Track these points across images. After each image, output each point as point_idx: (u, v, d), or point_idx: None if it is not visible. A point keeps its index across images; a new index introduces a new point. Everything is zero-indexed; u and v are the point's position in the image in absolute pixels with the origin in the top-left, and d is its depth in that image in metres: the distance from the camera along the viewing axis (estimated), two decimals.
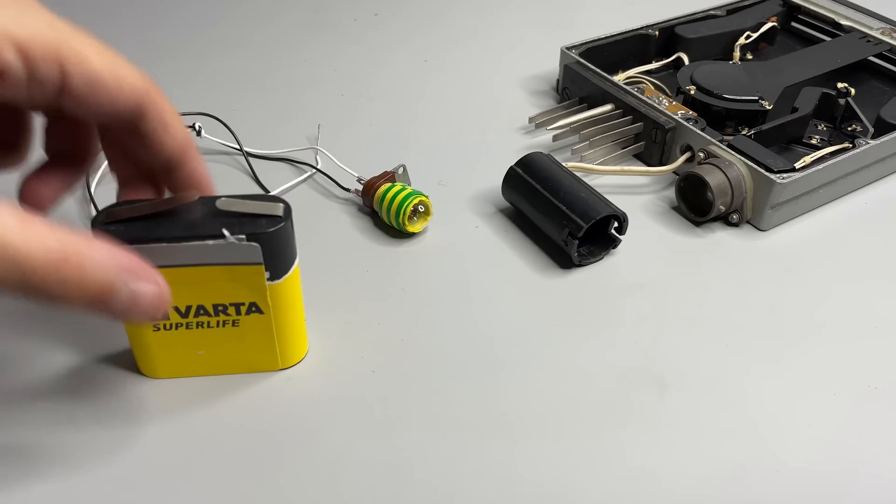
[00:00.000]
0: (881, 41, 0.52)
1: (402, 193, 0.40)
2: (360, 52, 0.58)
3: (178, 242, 0.26)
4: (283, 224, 0.27)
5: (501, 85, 0.54)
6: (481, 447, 0.31)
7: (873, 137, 0.45)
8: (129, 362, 0.33)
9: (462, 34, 0.61)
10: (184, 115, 0.45)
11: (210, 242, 0.26)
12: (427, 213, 0.40)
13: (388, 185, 0.41)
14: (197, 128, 0.39)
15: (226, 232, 0.26)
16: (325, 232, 0.41)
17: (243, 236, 0.26)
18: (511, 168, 0.41)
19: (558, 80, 0.52)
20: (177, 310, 0.29)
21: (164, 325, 0.29)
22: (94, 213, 0.27)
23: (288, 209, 0.27)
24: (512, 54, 0.58)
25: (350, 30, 0.61)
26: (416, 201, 0.39)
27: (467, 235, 0.41)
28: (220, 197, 0.27)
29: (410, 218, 0.40)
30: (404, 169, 0.42)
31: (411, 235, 0.41)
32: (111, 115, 0.25)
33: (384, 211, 0.40)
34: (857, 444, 0.31)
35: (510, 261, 0.40)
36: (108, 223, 0.26)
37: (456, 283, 0.38)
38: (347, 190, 0.42)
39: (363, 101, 0.52)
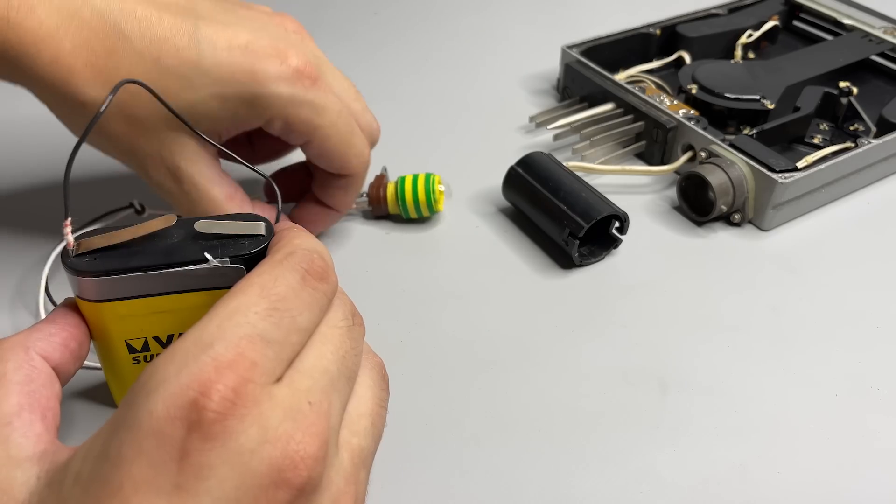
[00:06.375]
0: (883, 40, 0.52)
1: (419, 180, 0.40)
2: (359, 51, 0.58)
3: (158, 270, 0.24)
4: (266, 243, 0.25)
5: (502, 84, 0.54)
6: (480, 448, 0.30)
7: (875, 137, 0.45)
8: (105, 397, 0.32)
9: (462, 33, 0.61)
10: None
11: (192, 268, 0.24)
12: (442, 190, 0.41)
13: (394, 182, 0.41)
14: (139, 206, 0.38)
15: (208, 256, 0.24)
16: (322, 234, 0.41)
17: (227, 259, 0.24)
18: (511, 168, 0.41)
19: (559, 79, 0.52)
20: (157, 339, 0.27)
21: (144, 357, 0.27)
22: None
23: (270, 227, 0.26)
24: (512, 53, 0.58)
25: (349, 28, 0.61)
26: (438, 180, 0.40)
27: (467, 235, 0.41)
28: (198, 219, 0.25)
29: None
30: (385, 169, 0.43)
31: (411, 233, 0.41)
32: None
33: (409, 204, 0.40)
34: (858, 445, 0.31)
35: (510, 261, 0.39)
36: (81, 254, 0.24)
37: (456, 283, 0.38)
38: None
39: None
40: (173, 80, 0.30)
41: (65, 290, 0.36)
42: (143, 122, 0.31)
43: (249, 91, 0.31)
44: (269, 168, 0.41)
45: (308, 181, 0.38)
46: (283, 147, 0.40)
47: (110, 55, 0.30)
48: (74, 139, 0.26)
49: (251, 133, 0.38)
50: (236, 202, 0.34)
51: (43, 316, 0.35)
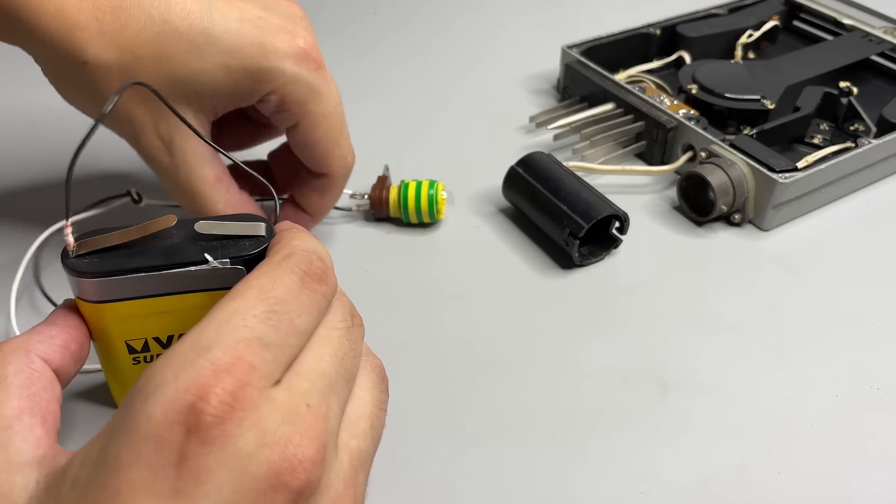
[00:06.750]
0: (883, 40, 0.52)
1: (423, 188, 0.40)
2: (359, 51, 0.58)
3: (159, 271, 0.24)
4: (266, 244, 0.25)
5: (502, 84, 0.54)
6: (480, 448, 0.30)
7: (876, 137, 0.45)
8: (105, 398, 0.32)
9: (462, 33, 0.61)
10: None
11: (192, 269, 0.24)
12: (444, 198, 0.41)
13: (397, 187, 0.41)
14: (135, 195, 0.38)
15: (208, 257, 0.24)
16: (322, 234, 0.41)
17: (227, 260, 0.24)
18: (512, 168, 0.41)
19: (559, 79, 0.52)
20: (157, 340, 0.27)
21: (144, 358, 0.27)
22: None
23: (270, 228, 0.26)
24: (512, 53, 0.58)
25: (349, 28, 0.61)
26: (441, 188, 0.40)
27: (467, 235, 0.41)
28: (198, 219, 0.25)
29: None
30: (388, 168, 0.43)
31: (411, 234, 0.41)
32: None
33: (412, 210, 0.40)
34: (858, 445, 0.31)
35: (510, 261, 0.39)
36: (81, 255, 0.25)
37: (456, 284, 0.38)
38: (348, 210, 0.42)
39: (361, 100, 0.52)
40: (181, 44, 0.30)
41: (59, 289, 0.36)
42: (145, 90, 0.30)
43: (255, 63, 0.31)
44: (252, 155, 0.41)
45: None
46: (250, 136, 0.39)
47: (117, 13, 0.29)
48: (73, 136, 0.26)
49: (222, 118, 0.38)
50: (223, 185, 0.33)
51: (13, 310, 0.35)
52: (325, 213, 0.38)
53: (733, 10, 0.57)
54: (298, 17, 0.33)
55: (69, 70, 0.30)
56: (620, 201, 0.40)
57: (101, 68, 0.29)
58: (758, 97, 0.46)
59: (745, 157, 0.41)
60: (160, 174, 0.33)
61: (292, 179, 0.38)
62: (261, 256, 0.25)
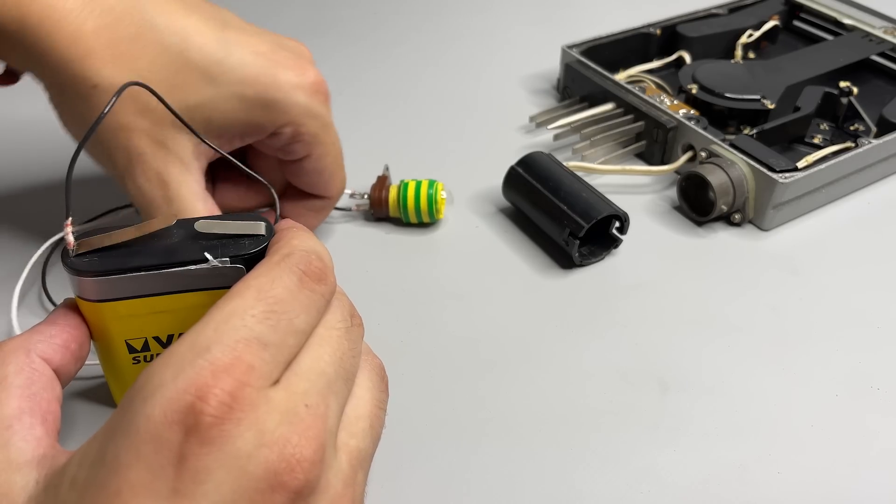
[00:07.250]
0: (884, 40, 0.52)
1: (423, 187, 0.40)
2: (359, 51, 0.58)
3: (159, 270, 0.24)
4: (266, 243, 0.25)
5: (502, 84, 0.54)
6: (480, 448, 0.30)
7: (876, 137, 0.45)
8: (105, 397, 0.32)
9: (462, 32, 0.61)
10: None
11: (192, 268, 0.24)
12: (444, 197, 0.41)
13: (397, 186, 0.41)
14: None
15: (208, 256, 0.24)
16: (322, 234, 0.41)
17: (227, 259, 0.24)
18: (512, 168, 0.41)
19: (559, 79, 0.52)
20: (157, 339, 0.27)
21: (145, 357, 0.28)
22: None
23: (270, 227, 0.26)
24: (512, 53, 0.58)
25: (348, 28, 0.61)
26: (440, 188, 0.40)
27: (467, 235, 0.41)
28: (198, 219, 0.25)
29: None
30: (387, 168, 0.43)
31: (411, 234, 0.41)
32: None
33: (411, 210, 0.40)
34: (859, 445, 0.31)
35: (510, 261, 0.39)
36: (81, 254, 0.25)
37: (456, 284, 0.38)
38: (348, 210, 0.42)
39: (361, 100, 0.52)
40: (196, 74, 0.30)
41: (59, 291, 0.36)
42: (155, 115, 0.30)
43: (270, 95, 0.32)
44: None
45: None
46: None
47: (134, 41, 0.29)
48: (70, 140, 0.26)
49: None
50: None
51: (14, 312, 0.35)
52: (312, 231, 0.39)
53: (733, 10, 0.57)
54: (306, 56, 0.34)
55: (78, 95, 0.30)
56: (620, 201, 0.40)
57: (111, 93, 0.29)
58: (758, 97, 0.46)
59: (745, 157, 0.41)
60: (149, 209, 0.32)
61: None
62: (261, 255, 0.25)
